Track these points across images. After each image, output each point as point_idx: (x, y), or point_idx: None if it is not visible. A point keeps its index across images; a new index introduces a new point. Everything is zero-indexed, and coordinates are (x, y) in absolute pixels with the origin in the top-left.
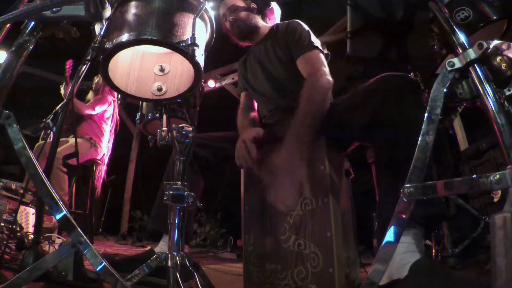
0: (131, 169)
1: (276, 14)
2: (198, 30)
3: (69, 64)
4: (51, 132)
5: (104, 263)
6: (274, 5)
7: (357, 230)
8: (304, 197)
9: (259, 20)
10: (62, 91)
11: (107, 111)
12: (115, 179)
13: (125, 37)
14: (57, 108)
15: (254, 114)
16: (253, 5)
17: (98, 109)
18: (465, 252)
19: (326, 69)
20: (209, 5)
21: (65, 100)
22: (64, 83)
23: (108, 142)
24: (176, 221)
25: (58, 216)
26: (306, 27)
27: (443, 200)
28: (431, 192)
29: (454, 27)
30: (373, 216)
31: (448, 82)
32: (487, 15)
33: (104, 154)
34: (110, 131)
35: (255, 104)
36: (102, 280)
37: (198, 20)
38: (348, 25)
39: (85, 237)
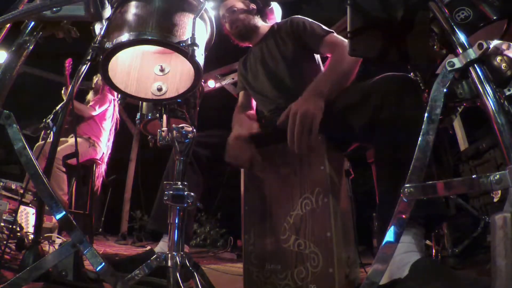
0: (131, 169)
1: (276, 14)
2: (198, 30)
3: (68, 62)
4: (51, 132)
5: (104, 263)
6: (275, 5)
7: (357, 230)
8: (304, 197)
9: (258, 21)
10: (63, 96)
11: (107, 111)
12: (115, 179)
13: (125, 37)
14: (57, 108)
15: (251, 112)
16: (253, 6)
17: (99, 109)
18: (465, 252)
19: None
20: (209, 5)
21: (65, 100)
22: (64, 88)
23: (108, 141)
24: (176, 221)
25: (58, 216)
26: (309, 19)
27: (443, 200)
28: (431, 192)
29: (454, 27)
30: (373, 216)
31: (448, 82)
32: (487, 15)
33: (103, 153)
34: (110, 130)
35: (253, 104)
36: (102, 280)
37: (198, 20)
38: (348, 25)
39: (85, 237)
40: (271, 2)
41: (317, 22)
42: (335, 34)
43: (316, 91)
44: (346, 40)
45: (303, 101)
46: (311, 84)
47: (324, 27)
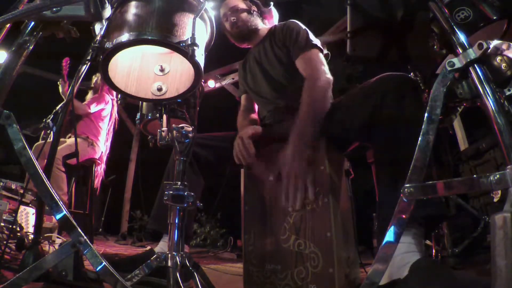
0: (131, 169)
1: (274, 17)
2: (198, 30)
3: (65, 61)
4: (51, 132)
5: (104, 263)
6: (272, 9)
7: (357, 230)
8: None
9: (259, 22)
10: (60, 89)
11: (104, 110)
12: (115, 179)
13: (125, 37)
14: (57, 108)
15: (254, 115)
16: (254, 8)
17: (94, 108)
18: (465, 252)
19: (326, 67)
20: (209, 5)
21: (65, 100)
22: (60, 80)
23: (106, 141)
24: (176, 221)
25: (58, 216)
26: (303, 26)
27: (443, 200)
28: (431, 192)
29: (454, 27)
30: (373, 216)
31: (448, 82)
32: (487, 15)
33: (102, 152)
34: (108, 130)
35: (256, 106)
36: (102, 280)
37: (198, 20)
38: (348, 25)
39: (85, 237)
40: (271, 3)
41: (309, 33)
42: (317, 51)
43: (300, 140)
44: (321, 60)
45: (290, 159)
46: (293, 130)
47: (312, 40)
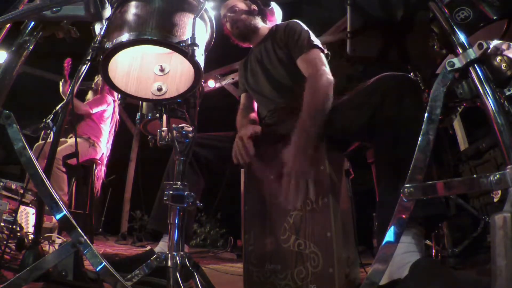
0: (131, 169)
1: (276, 15)
2: (198, 30)
3: (67, 62)
4: (51, 132)
5: (104, 263)
6: (275, 6)
7: (357, 230)
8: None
9: (259, 22)
10: (60, 88)
11: (106, 111)
12: (115, 179)
13: (125, 37)
14: (57, 108)
15: (253, 114)
16: (254, 7)
17: (96, 109)
18: (465, 252)
19: (327, 67)
20: (209, 5)
21: (65, 100)
22: (62, 80)
23: (108, 142)
24: (176, 221)
25: (58, 216)
26: (305, 27)
27: (443, 200)
28: (431, 192)
29: (454, 27)
30: (373, 216)
31: (448, 82)
32: (487, 15)
33: (103, 153)
34: (110, 131)
35: (255, 105)
36: (102, 280)
37: (198, 20)
38: (348, 25)
39: (85, 237)
40: (271, 3)
41: (310, 33)
42: (318, 51)
43: (302, 139)
44: (322, 60)
45: (292, 160)
46: (296, 130)
47: (313, 40)
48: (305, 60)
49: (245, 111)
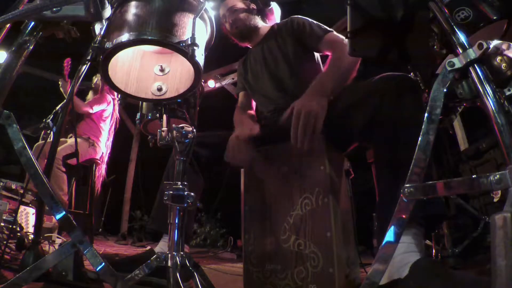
0: (131, 169)
1: (276, 14)
2: (198, 30)
3: (67, 62)
4: (51, 132)
5: (104, 263)
6: (274, 5)
7: (357, 230)
8: (304, 197)
9: (258, 21)
10: (60, 84)
11: (105, 110)
12: (115, 179)
13: (125, 37)
14: (57, 108)
15: (251, 112)
16: (253, 6)
17: (96, 108)
18: (465, 252)
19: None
20: (209, 5)
21: (65, 100)
22: (61, 79)
23: (108, 141)
24: (176, 221)
25: (58, 216)
26: (308, 19)
27: (443, 200)
28: (431, 192)
29: (454, 27)
30: (373, 216)
31: (448, 82)
32: (487, 15)
33: (103, 153)
34: (110, 130)
35: (253, 104)
36: (102, 280)
37: (198, 20)
38: (348, 25)
39: (85, 237)
40: (271, 2)
41: (316, 22)
42: (334, 32)
43: (319, 90)
44: (345, 38)
45: (306, 99)
46: (314, 82)
47: (323, 26)
48: (329, 40)
49: (242, 109)
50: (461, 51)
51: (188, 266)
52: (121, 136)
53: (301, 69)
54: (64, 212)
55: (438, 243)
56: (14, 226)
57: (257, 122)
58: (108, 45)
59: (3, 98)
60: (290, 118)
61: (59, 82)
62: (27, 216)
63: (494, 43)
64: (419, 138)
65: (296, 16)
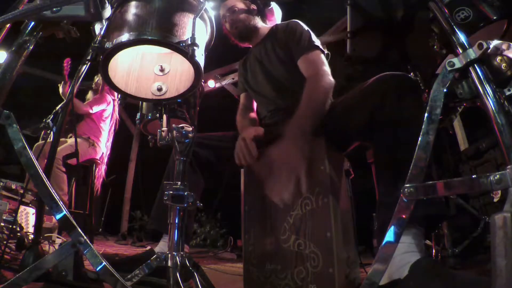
0: (131, 169)
1: (276, 15)
2: (198, 30)
3: (66, 62)
4: (51, 132)
5: (104, 263)
6: (274, 6)
7: (357, 230)
8: (304, 197)
9: (258, 21)
10: (60, 90)
11: (105, 111)
12: (115, 179)
13: (125, 37)
14: (57, 108)
15: (253, 114)
16: (253, 6)
17: (96, 109)
18: (465, 252)
19: (327, 69)
20: (209, 5)
21: (65, 100)
22: (62, 82)
23: (108, 141)
24: (176, 221)
25: (58, 216)
26: (306, 27)
27: (443, 200)
28: (431, 192)
29: (454, 27)
30: (373, 216)
31: (448, 82)
32: (487, 15)
33: (103, 153)
34: (110, 130)
35: (255, 105)
36: (102, 280)
37: (198, 20)
38: (348, 25)
39: (85, 237)
40: (271, 3)
41: (311, 33)
42: (319, 52)
43: (297, 132)
44: (324, 62)
45: (284, 149)
46: (292, 123)
47: (314, 41)
48: (306, 61)
49: (245, 111)
50: (461, 51)
51: (188, 266)
52: (121, 136)
53: (297, 71)
54: (64, 212)
55: (438, 243)
56: (14, 226)
57: (258, 123)
58: (108, 45)
59: (3, 98)
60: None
61: (59, 88)
62: (27, 216)
63: (494, 43)
64: (419, 138)
65: (295, 20)
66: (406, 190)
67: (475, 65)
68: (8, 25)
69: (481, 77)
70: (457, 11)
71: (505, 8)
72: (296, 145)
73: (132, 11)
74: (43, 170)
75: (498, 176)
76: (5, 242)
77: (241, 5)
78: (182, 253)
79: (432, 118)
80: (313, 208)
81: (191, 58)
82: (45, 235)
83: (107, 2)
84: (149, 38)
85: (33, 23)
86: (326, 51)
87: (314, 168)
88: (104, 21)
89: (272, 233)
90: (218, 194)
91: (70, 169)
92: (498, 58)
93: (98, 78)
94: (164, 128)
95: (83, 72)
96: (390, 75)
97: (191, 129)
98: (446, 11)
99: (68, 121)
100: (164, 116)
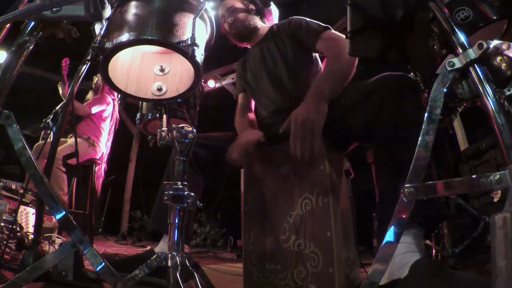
0: (131, 169)
1: (274, 15)
2: (198, 30)
3: (65, 62)
4: (51, 132)
5: (104, 263)
6: (272, 6)
7: (357, 230)
8: (304, 197)
9: (257, 21)
10: (60, 90)
11: (105, 111)
12: (115, 179)
13: (125, 37)
14: (57, 108)
15: (252, 115)
16: (252, 6)
17: (95, 109)
18: (465, 252)
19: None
20: (209, 5)
21: (65, 100)
22: (61, 82)
23: (108, 141)
24: (176, 221)
25: (58, 216)
26: (307, 18)
27: (443, 200)
28: (431, 192)
29: (454, 27)
30: (373, 216)
31: (448, 82)
32: (487, 15)
33: (103, 153)
34: (110, 130)
35: (253, 105)
36: (102, 280)
37: (198, 20)
38: (348, 25)
39: (85, 237)
40: (270, 3)
41: (315, 21)
42: (332, 30)
43: (317, 95)
44: (342, 36)
45: (304, 108)
46: (312, 87)
47: (321, 24)
48: (326, 39)
49: (243, 111)
50: (461, 51)
51: (188, 266)
52: (121, 136)
53: (300, 70)
54: (64, 212)
55: (438, 243)
56: (14, 226)
57: (257, 124)
58: (108, 45)
59: (3, 98)
60: (289, 128)
61: (59, 87)
62: (27, 216)
63: (494, 43)
64: (419, 138)
65: (295, 16)
66: (406, 190)
67: (475, 65)
68: (8, 25)
69: (481, 77)
70: (457, 11)
71: (505, 8)
72: (317, 106)
73: (132, 11)
74: (43, 170)
75: (498, 176)
76: (5, 242)
77: (240, 5)
78: (182, 253)
79: (432, 118)
80: (313, 208)
81: (191, 58)
82: (45, 235)
83: (107, 2)
84: (149, 38)
85: (33, 23)
86: None
87: (314, 168)
88: (104, 21)
89: (272, 233)
90: (218, 194)
91: (70, 169)
92: (498, 58)
93: (97, 79)
94: (164, 128)
95: (83, 72)
96: (390, 76)
97: (191, 129)
98: (446, 11)
99: (68, 121)
100: (164, 116)
